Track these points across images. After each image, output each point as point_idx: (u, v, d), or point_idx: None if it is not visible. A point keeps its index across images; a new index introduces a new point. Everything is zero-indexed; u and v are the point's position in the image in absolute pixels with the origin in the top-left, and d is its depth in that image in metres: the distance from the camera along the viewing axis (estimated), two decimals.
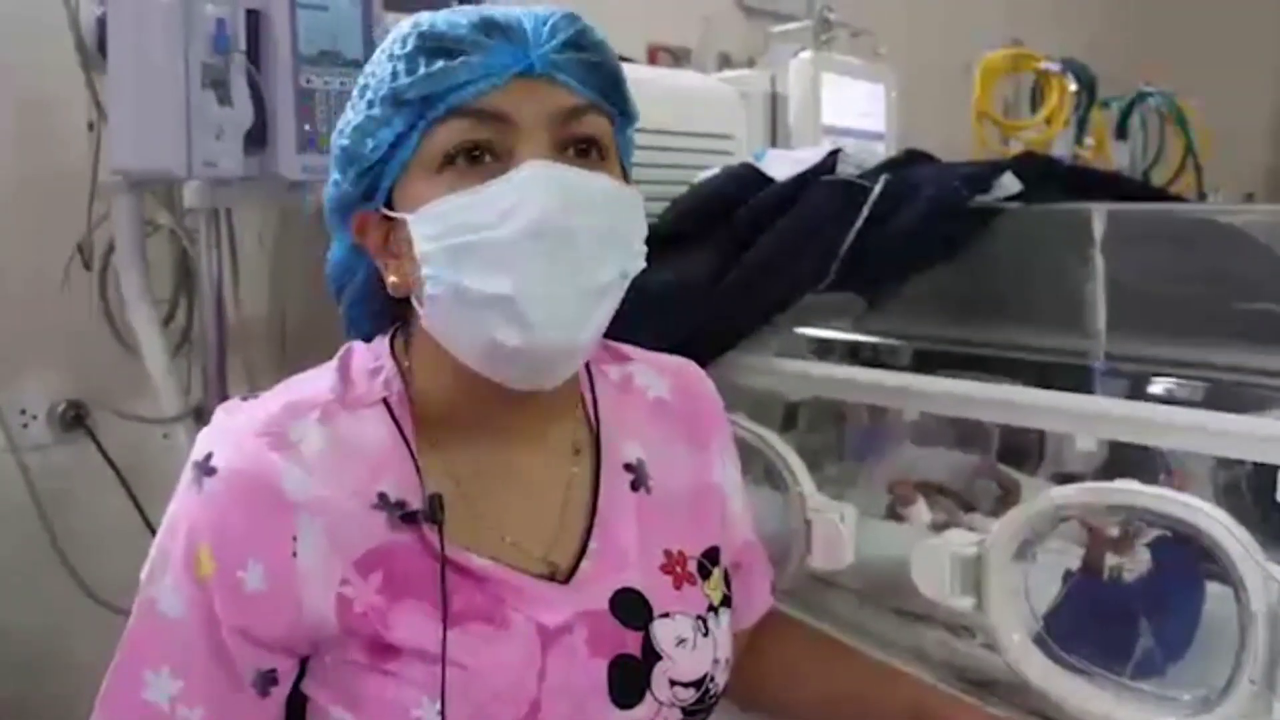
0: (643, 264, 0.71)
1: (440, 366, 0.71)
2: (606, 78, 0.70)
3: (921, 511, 1.21)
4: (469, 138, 0.66)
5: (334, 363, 0.75)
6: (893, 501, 1.26)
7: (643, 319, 1.13)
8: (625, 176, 0.74)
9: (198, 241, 1.38)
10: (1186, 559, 0.96)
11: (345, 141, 0.70)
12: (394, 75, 0.67)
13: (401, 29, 0.69)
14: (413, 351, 0.74)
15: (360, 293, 0.78)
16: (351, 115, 0.71)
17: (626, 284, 0.70)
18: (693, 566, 0.78)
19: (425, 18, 0.68)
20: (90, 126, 1.43)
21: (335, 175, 0.73)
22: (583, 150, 0.68)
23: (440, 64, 0.66)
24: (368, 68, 0.71)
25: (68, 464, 1.55)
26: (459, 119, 0.66)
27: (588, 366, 0.81)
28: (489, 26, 0.66)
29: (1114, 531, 1.01)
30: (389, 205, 0.70)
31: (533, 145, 0.66)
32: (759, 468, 1.16)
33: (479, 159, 0.66)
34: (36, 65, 1.46)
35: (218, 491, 0.67)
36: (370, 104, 0.69)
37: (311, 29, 1.24)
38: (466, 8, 0.69)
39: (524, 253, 0.64)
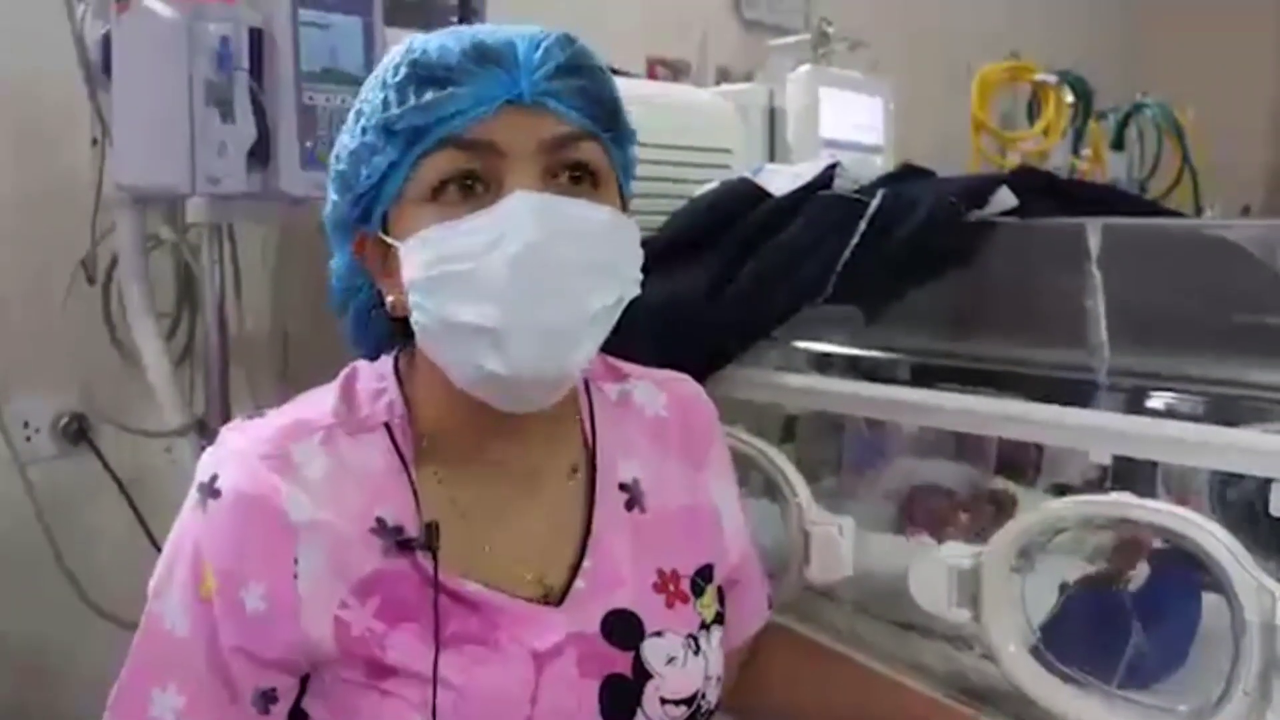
0: (638, 290, 0.71)
1: (438, 387, 0.71)
2: (600, 103, 0.69)
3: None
4: (458, 168, 0.66)
5: (338, 383, 0.76)
6: (924, 519, 1.27)
7: (641, 333, 1.14)
8: (624, 202, 0.74)
9: (200, 256, 1.38)
10: (1183, 570, 0.97)
11: (341, 166, 0.71)
12: (385, 104, 0.67)
13: (394, 55, 0.69)
14: (413, 372, 0.75)
15: (364, 308, 0.78)
16: (347, 139, 0.71)
17: (621, 308, 0.70)
18: (685, 585, 0.79)
19: (419, 43, 0.68)
20: (94, 142, 1.44)
21: (333, 196, 0.73)
22: (575, 178, 0.68)
23: (430, 94, 0.66)
24: (363, 91, 0.71)
25: (70, 477, 1.55)
26: (448, 149, 0.66)
27: (586, 384, 0.82)
28: (480, 53, 0.66)
29: (1156, 543, 1.02)
30: (384, 229, 0.70)
31: (521, 175, 0.66)
32: (757, 480, 1.16)
33: (469, 189, 0.67)
34: (41, 82, 1.47)
35: (222, 514, 0.68)
36: (364, 130, 0.69)
37: (314, 46, 1.24)
38: (461, 30, 0.69)
39: (508, 284, 0.64)
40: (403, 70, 0.67)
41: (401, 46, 0.69)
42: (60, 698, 1.50)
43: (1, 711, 1.47)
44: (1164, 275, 1.10)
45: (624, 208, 0.74)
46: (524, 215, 0.64)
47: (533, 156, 0.66)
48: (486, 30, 0.69)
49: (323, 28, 1.25)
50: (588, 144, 0.69)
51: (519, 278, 0.64)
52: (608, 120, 0.70)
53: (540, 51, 0.67)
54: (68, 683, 1.51)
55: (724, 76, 2.34)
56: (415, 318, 0.68)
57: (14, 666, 1.49)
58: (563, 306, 0.65)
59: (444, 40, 0.67)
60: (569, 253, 0.65)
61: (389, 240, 0.70)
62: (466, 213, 0.66)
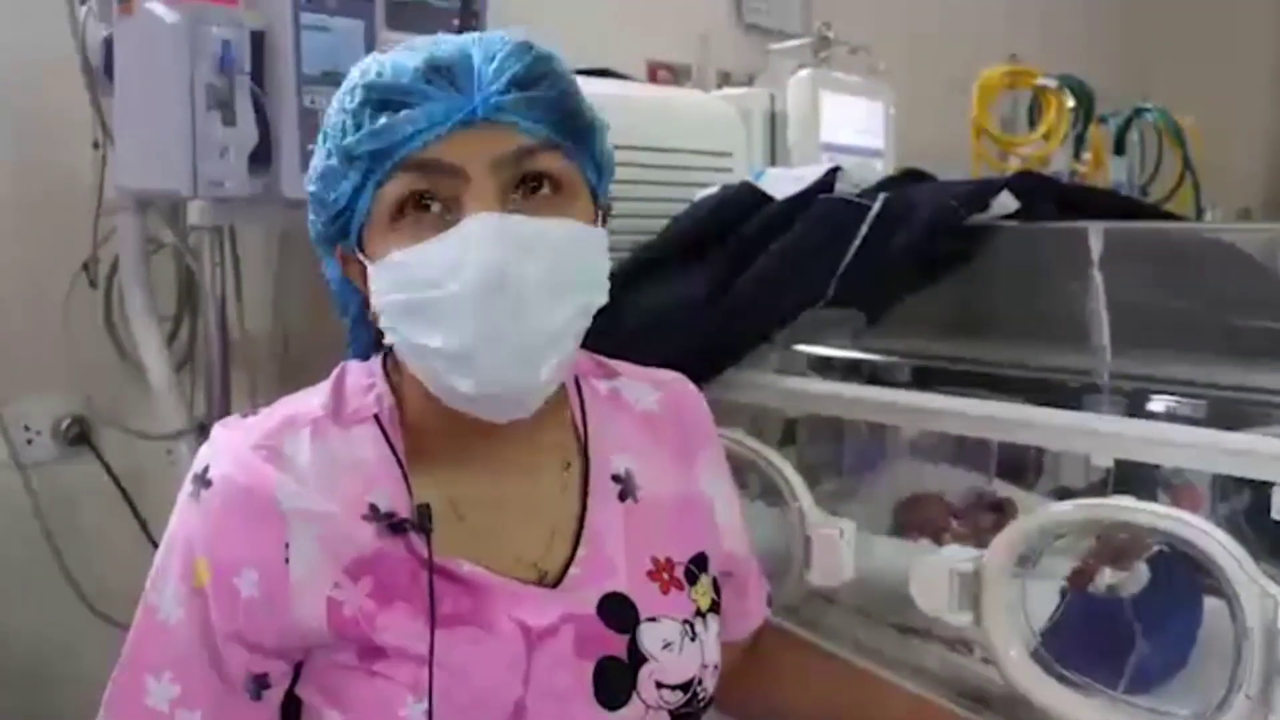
0: (606, 297, 0.71)
1: (423, 390, 0.72)
2: (559, 111, 0.69)
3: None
4: (415, 190, 0.67)
5: (329, 380, 0.77)
6: (919, 527, 1.27)
7: (642, 337, 1.15)
8: (596, 207, 0.73)
9: (201, 259, 1.39)
10: (1184, 574, 0.97)
11: (313, 188, 0.72)
12: (343, 130, 0.68)
13: (351, 79, 0.70)
14: (400, 373, 0.76)
15: (359, 314, 0.79)
16: (318, 161, 0.72)
17: (589, 318, 0.71)
18: (680, 572, 0.79)
19: (372, 65, 0.69)
20: (96, 146, 1.44)
21: (311, 215, 0.74)
22: (535, 189, 0.68)
23: (384, 119, 0.66)
24: (328, 111, 0.71)
25: (71, 479, 1.55)
26: (406, 173, 0.67)
27: (576, 380, 0.83)
28: (433, 71, 0.66)
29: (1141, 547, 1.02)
30: (361, 246, 0.71)
31: (480, 194, 0.66)
32: (758, 483, 1.16)
33: (430, 209, 0.67)
34: (43, 85, 1.47)
35: (214, 503, 0.69)
36: (329, 154, 0.70)
37: (315, 50, 1.24)
38: (416, 45, 0.69)
39: (470, 309, 0.65)
40: (358, 94, 0.68)
41: (358, 68, 0.70)
42: (61, 699, 1.50)
43: (3, 712, 1.47)
44: (1165, 278, 1.11)
45: (598, 211, 0.74)
46: (481, 238, 0.64)
47: (491, 174, 0.66)
48: (441, 44, 0.69)
49: (324, 31, 1.25)
50: (547, 155, 0.68)
51: (479, 303, 0.65)
52: (568, 127, 0.70)
53: (494, 64, 0.67)
54: (68, 685, 1.50)
55: (725, 80, 2.34)
56: (387, 339, 0.70)
57: (14, 668, 1.49)
58: (526, 326, 0.66)
59: (397, 59, 0.68)
60: (528, 272, 0.65)
61: (363, 260, 0.71)
62: (428, 235, 0.66)
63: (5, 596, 1.46)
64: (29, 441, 1.53)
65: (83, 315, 1.53)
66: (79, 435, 1.57)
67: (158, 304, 1.50)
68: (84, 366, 1.54)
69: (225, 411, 1.38)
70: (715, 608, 0.81)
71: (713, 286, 1.21)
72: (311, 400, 0.75)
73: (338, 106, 0.70)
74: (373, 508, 0.70)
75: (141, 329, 1.48)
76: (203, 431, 1.44)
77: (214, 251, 1.37)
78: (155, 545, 1.59)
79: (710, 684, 0.78)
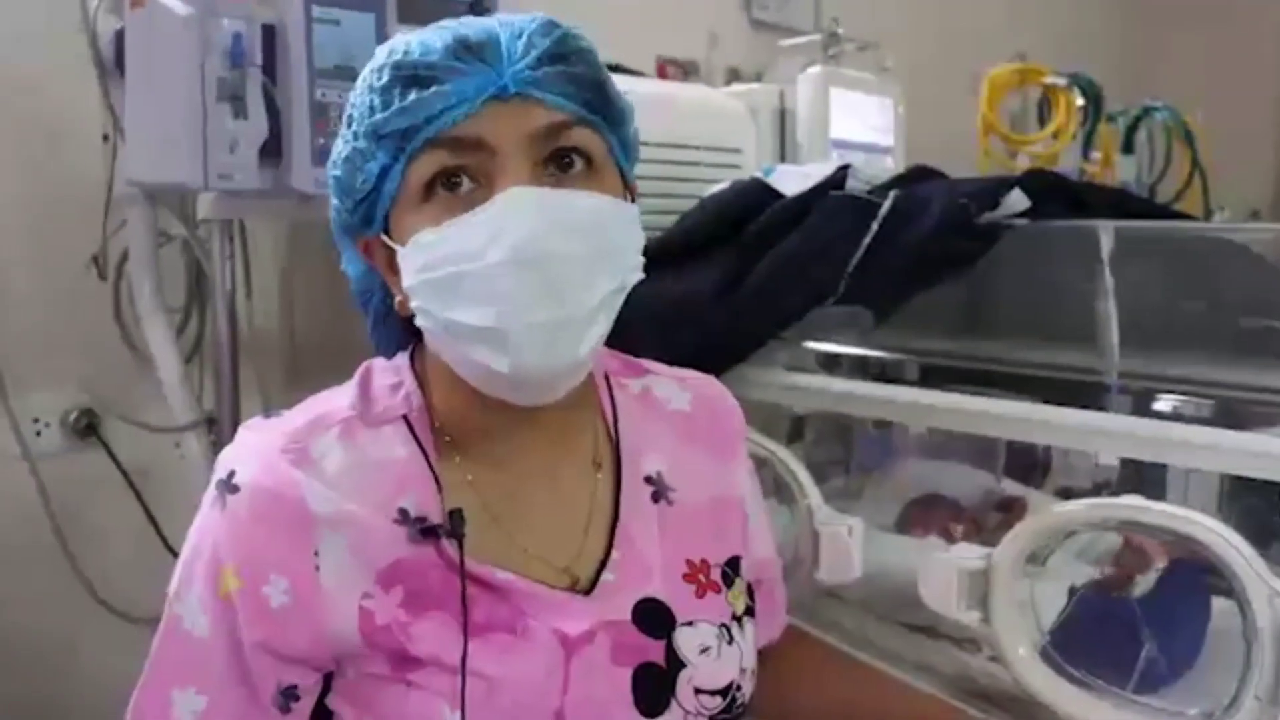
0: (641, 275, 0.70)
1: (453, 383, 0.71)
2: (589, 87, 0.68)
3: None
4: (446, 166, 0.65)
5: (355, 379, 0.75)
6: (928, 525, 1.26)
7: (651, 332, 1.14)
8: (625, 185, 0.73)
9: (211, 252, 1.39)
10: (1193, 574, 0.97)
11: (337, 172, 0.71)
12: (372, 109, 0.67)
13: (378, 58, 0.68)
14: (428, 368, 0.74)
15: (380, 311, 0.78)
16: (341, 145, 0.70)
17: (624, 295, 0.69)
18: (716, 575, 0.78)
19: (400, 44, 0.67)
20: (106, 138, 1.44)
21: (334, 202, 0.73)
22: (567, 165, 0.67)
23: (414, 95, 0.65)
24: (352, 95, 0.70)
25: (80, 472, 1.55)
26: (437, 149, 0.65)
27: (607, 379, 0.82)
28: (461, 48, 0.65)
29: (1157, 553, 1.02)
30: (387, 231, 0.70)
31: (512, 170, 0.64)
32: (767, 480, 1.16)
33: (460, 187, 0.66)
34: (53, 77, 1.47)
35: (241, 509, 0.67)
36: (355, 136, 0.68)
37: (326, 43, 1.24)
38: (444, 24, 0.68)
39: (506, 283, 0.63)
40: (386, 73, 0.66)
41: (384, 48, 0.69)
42: (68, 692, 1.50)
43: (11, 704, 1.48)
44: (1175, 278, 1.11)
45: (627, 189, 0.73)
46: (517, 212, 0.63)
47: (523, 150, 0.65)
48: (469, 23, 0.67)
49: (335, 24, 1.25)
50: (579, 131, 0.67)
51: (516, 277, 0.63)
52: (598, 103, 0.69)
53: (523, 41, 0.66)
54: (76, 677, 1.51)
55: (733, 77, 2.34)
56: (419, 320, 0.68)
57: (23, 661, 1.49)
58: (563, 302, 0.65)
59: (425, 38, 0.66)
60: (565, 247, 0.64)
61: (390, 244, 0.69)
62: (461, 212, 0.64)
63: (13, 588, 1.47)
64: (38, 434, 1.53)
65: (92, 308, 1.53)
66: (87, 427, 1.57)
67: (167, 297, 1.50)
68: (93, 359, 1.54)
69: (234, 404, 1.39)
70: (750, 612, 0.80)
71: (722, 283, 1.21)
72: (338, 400, 0.73)
73: (364, 87, 0.68)
74: (403, 512, 0.69)
75: (151, 322, 1.48)
76: (211, 424, 1.45)
77: (223, 244, 1.37)
78: (163, 537, 1.60)
79: (748, 689, 0.77)
